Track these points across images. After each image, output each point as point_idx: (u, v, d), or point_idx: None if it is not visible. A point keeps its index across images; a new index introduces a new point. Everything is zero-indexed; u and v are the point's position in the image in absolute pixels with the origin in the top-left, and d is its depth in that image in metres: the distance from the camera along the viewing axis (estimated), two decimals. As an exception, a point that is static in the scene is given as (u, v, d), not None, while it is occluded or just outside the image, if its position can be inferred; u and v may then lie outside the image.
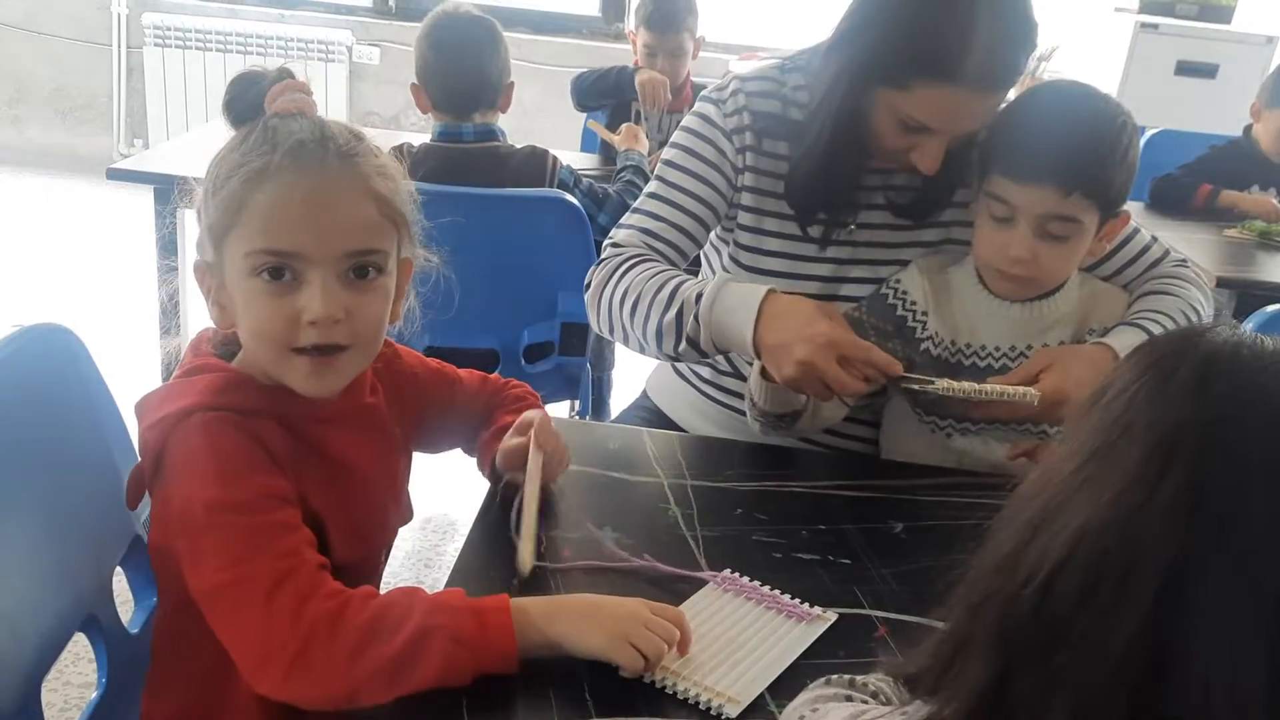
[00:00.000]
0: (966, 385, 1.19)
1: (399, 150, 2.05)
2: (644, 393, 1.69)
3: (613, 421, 1.77)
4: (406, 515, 1.13)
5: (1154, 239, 1.45)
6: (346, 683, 0.83)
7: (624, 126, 2.67)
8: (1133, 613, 0.53)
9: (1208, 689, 0.52)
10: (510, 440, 1.10)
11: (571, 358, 2.15)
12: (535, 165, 2.12)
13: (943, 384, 1.19)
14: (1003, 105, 1.29)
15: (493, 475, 1.15)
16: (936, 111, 1.24)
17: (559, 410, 2.35)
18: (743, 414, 1.38)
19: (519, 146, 2.15)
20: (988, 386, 1.19)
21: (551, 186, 2.10)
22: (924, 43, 1.21)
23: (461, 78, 2.13)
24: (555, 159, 2.15)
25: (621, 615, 0.89)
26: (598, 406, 2.69)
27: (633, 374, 1.79)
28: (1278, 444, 0.54)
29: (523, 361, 2.08)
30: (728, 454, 1.34)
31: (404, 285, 1.03)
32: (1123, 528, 0.55)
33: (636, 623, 0.88)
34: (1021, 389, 1.19)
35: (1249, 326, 1.26)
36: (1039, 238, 1.25)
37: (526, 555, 1.00)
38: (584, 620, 0.88)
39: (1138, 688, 0.53)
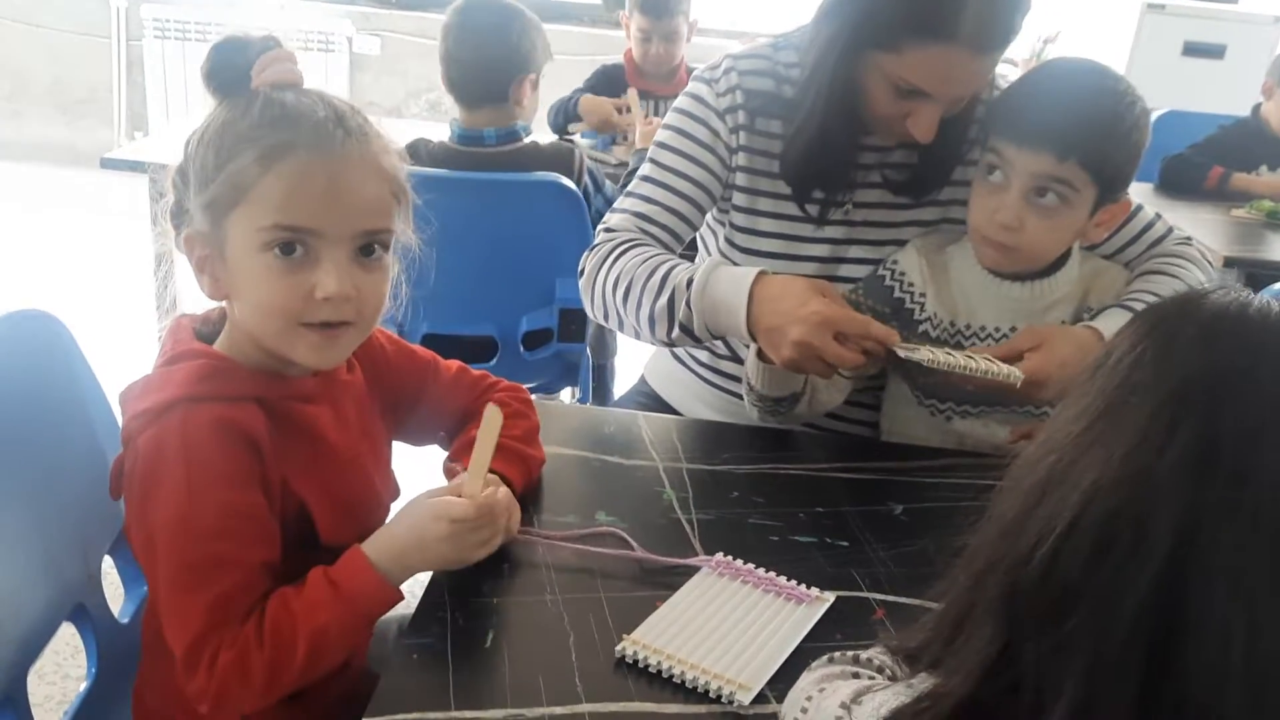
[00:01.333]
0: (953, 358, 1.16)
1: (413, 148, 1.98)
2: (642, 378, 1.67)
3: (610, 406, 1.75)
4: (395, 491, 1.11)
5: (1157, 216, 1.42)
6: (267, 702, 0.89)
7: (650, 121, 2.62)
8: (1146, 571, 0.52)
9: (1226, 648, 0.51)
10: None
11: (571, 344, 2.13)
12: (562, 164, 2.03)
13: (926, 352, 1.17)
14: (998, 74, 1.27)
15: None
16: (929, 73, 1.21)
17: (560, 398, 2.33)
18: (741, 398, 1.36)
19: (543, 144, 2.06)
20: (973, 361, 1.17)
21: (579, 184, 2.02)
22: (916, 1, 1.18)
23: (466, 66, 2.05)
24: (582, 157, 2.07)
25: (442, 533, 0.93)
26: (601, 394, 2.67)
27: (636, 361, 1.76)
28: None
29: (522, 349, 2.06)
30: (724, 437, 1.32)
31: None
32: (1134, 485, 0.53)
33: (456, 528, 0.93)
34: (1006, 369, 1.16)
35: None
36: (1029, 205, 1.23)
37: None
38: (425, 551, 0.94)
39: (1152, 648, 0.52)
